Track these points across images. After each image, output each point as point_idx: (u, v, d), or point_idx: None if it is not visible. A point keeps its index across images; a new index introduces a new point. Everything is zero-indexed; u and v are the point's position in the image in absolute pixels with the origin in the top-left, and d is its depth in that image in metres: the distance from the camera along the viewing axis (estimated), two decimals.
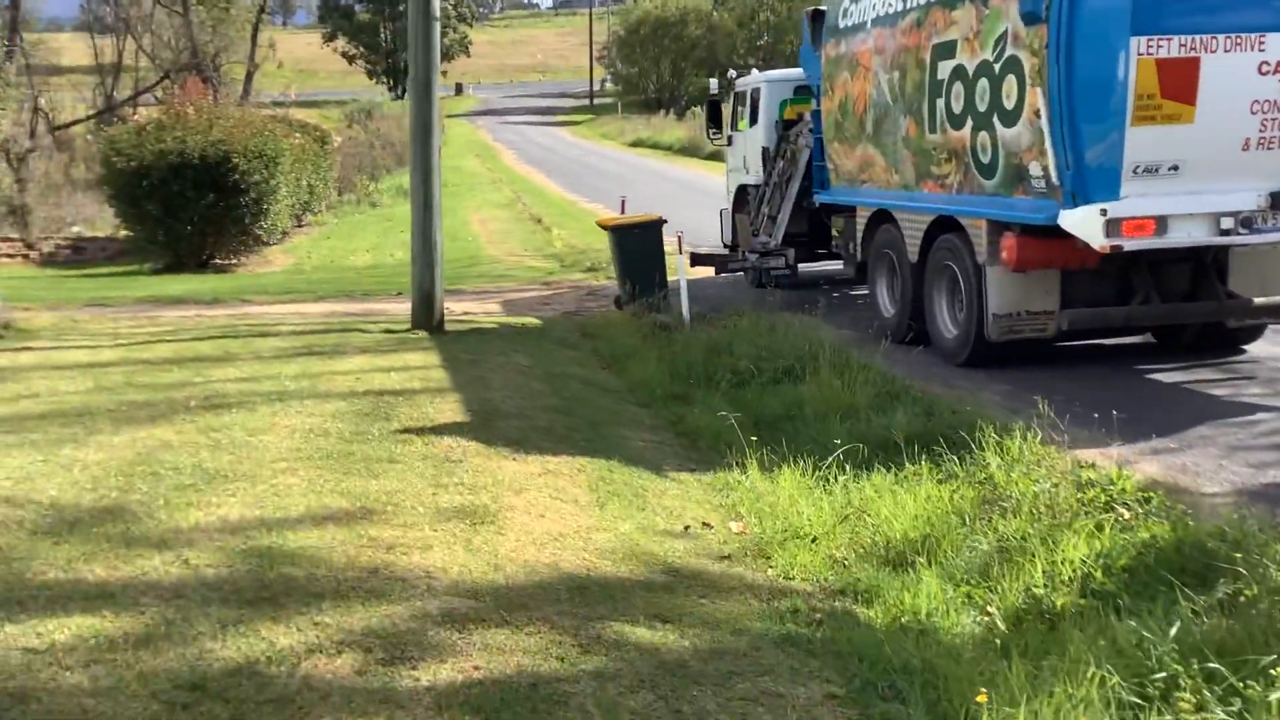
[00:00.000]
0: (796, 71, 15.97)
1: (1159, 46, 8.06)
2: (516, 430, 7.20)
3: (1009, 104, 9.40)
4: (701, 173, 36.61)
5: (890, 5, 11.59)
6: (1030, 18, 8.88)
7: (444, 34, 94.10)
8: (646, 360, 9.91)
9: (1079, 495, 5.70)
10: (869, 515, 5.69)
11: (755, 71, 17.60)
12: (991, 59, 9.61)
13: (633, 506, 5.83)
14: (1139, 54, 8.06)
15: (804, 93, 15.40)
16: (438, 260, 11.02)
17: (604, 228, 14.10)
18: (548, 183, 33.93)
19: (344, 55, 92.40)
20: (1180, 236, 8.58)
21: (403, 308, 13.82)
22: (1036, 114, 9.00)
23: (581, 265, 17.24)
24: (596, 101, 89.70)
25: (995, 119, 9.62)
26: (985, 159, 9.90)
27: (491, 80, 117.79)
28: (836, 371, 8.78)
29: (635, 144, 53.23)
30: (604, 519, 5.53)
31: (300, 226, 25.40)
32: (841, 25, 12.79)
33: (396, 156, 37.60)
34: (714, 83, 17.54)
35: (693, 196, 26.23)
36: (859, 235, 12.58)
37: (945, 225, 10.70)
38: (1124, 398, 8.62)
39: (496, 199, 30.07)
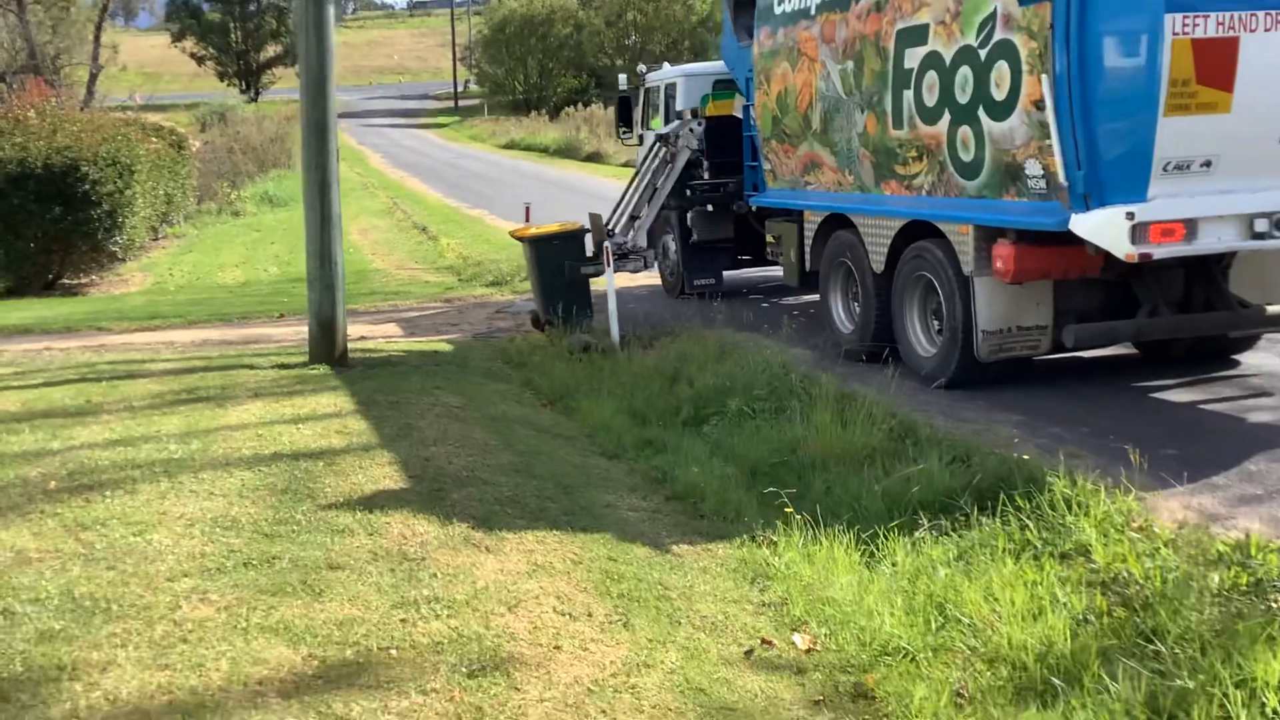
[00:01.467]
0: (716, 65, 14.79)
1: (1195, 25, 7.04)
2: (477, 503, 5.77)
3: (999, 94, 8.33)
4: (583, 174, 35.31)
5: None
6: None
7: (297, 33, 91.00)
8: (596, 397, 8.54)
9: (1214, 575, 4.58)
10: (961, 614, 4.46)
11: (667, 65, 16.35)
12: (975, 44, 8.53)
13: (663, 618, 4.48)
14: (1174, 34, 7.03)
15: (726, 87, 14.24)
16: (339, 283, 9.43)
17: (519, 239, 12.67)
18: (424, 188, 32.15)
19: (193, 56, 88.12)
20: (1210, 242, 7.60)
21: (289, 332, 12.20)
22: (1037, 105, 7.93)
23: (483, 279, 15.73)
24: (462, 103, 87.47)
25: (980, 112, 8.54)
26: (966, 157, 8.81)
27: (349, 82, 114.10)
28: (825, 404, 7.57)
29: (508, 146, 51.59)
30: (638, 647, 4.17)
31: (158, 240, 23.22)
32: (778, 11, 11.61)
33: (259, 161, 35.30)
34: (623, 79, 16.27)
35: (579, 199, 24.84)
36: (807, 242, 11.42)
37: (918, 231, 9.60)
38: (1153, 427, 7.63)
39: (373, 206, 28.21)
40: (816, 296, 14.13)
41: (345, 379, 8.86)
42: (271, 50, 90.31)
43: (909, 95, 9.43)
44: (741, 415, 7.90)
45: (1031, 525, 5.49)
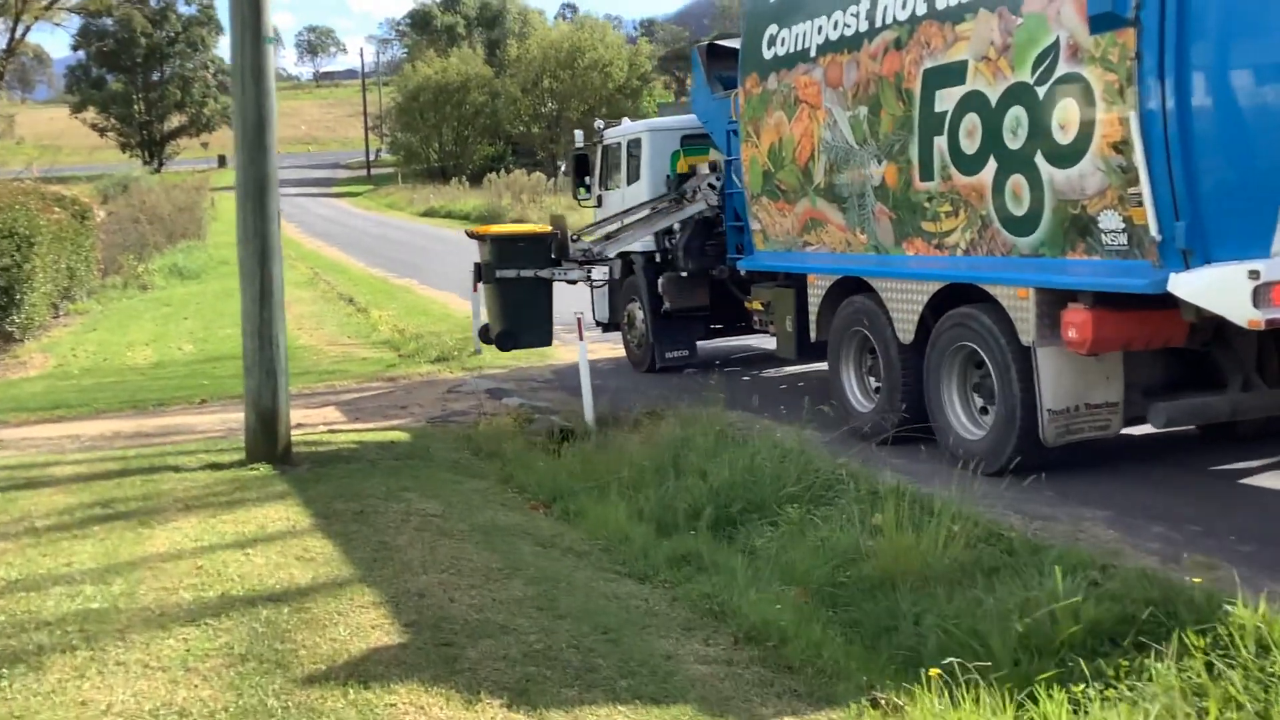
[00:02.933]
0: (685, 118, 13.64)
1: None
2: (503, 663, 4.34)
3: (1064, 137, 7.20)
4: None
5: (848, 25, 9.33)
6: (1104, 21, 6.70)
7: (203, 104, 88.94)
8: (599, 496, 7.12)
9: None
10: None
11: (627, 120, 15.17)
12: (1031, 81, 7.41)
13: None
14: None
15: (697, 142, 13.09)
16: (281, 367, 7.93)
17: (476, 236, 11.57)
18: (344, 257, 30.52)
19: (94, 128, 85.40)
20: None
21: (213, 421, 10.59)
22: (1116, 148, 6.82)
23: (426, 355, 14.21)
24: (374, 171, 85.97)
25: (1039, 158, 7.41)
26: (1019, 210, 7.67)
27: None
28: (879, 501, 6.28)
29: (427, 213, 50.15)
30: None
31: (59, 318, 21.26)
32: (769, 56, 10.47)
33: (167, 232, 33.31)
34: (579, 135, 14.99)
35: None
36: (811, 310, 10.18)
37: (956, 296, 8.42)
38: (1275, 524, 6.45)
39: (294, 277, 26.41)
40: (804, 368, 13.08)
41: (293, 482, 7.33)
42: (176, 121, 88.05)
43: (941, 142, 8.29)
44: (779, 517, 6.57)
45: (1236, 677, 4.21)
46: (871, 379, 9.75)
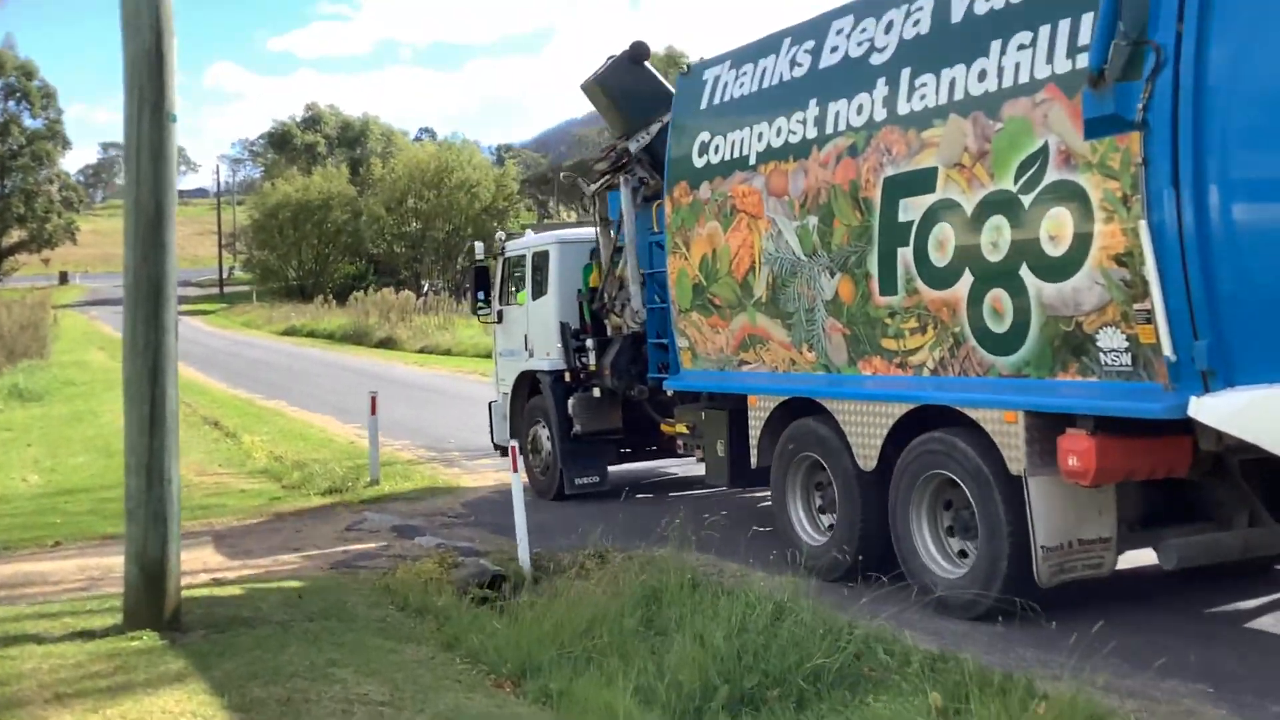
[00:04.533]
0: (594, 231, 12.91)
1: None
2: None
3: (1054, 250, 6.66)
4: (383, 361, 32.74)
5: (793, 132, 8.78)
6: (1103, 125, 6.21)
7: (46, 219, 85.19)
8: (588, 672, 5.99)
9: None
10: None
11: (530, 232, 14.39)
12: (1014, 189, 6.89)
13: None
14: None
15: (613, 255, 12.37)
16: (173, 510, 6.71)
17: None
18: (203, 378, 28.75)
19: None
20: None
21: (72, 569, 9.18)
22: (1119, 260, 6.29)
23: (314, 485, 12.90)
24: (227, 289, 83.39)
25: (1024, 271, 6.85)
26: (999, 327, 7.08)
27: (100, 269, 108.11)
28: (922, 678, 5.39)
29: (288, 332, 48.44)
30: None
31: None
32: (700, 164, 9.87)
33: (7, 351, 30.97)
34: (479, 246, 14.12)
35: (395, 390, 22.33)
36: (752, 434, 9.39)
37: (925, 420, 7.74)
38: None
39: None
40: (722, 492, 12.25)
41: (190, 656, 6.08)
42: (16, 235, 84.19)
43: (906, 254, 7.70)
44: (806, 696, 5.61)
45: None
46: (820, 509, 8.98)
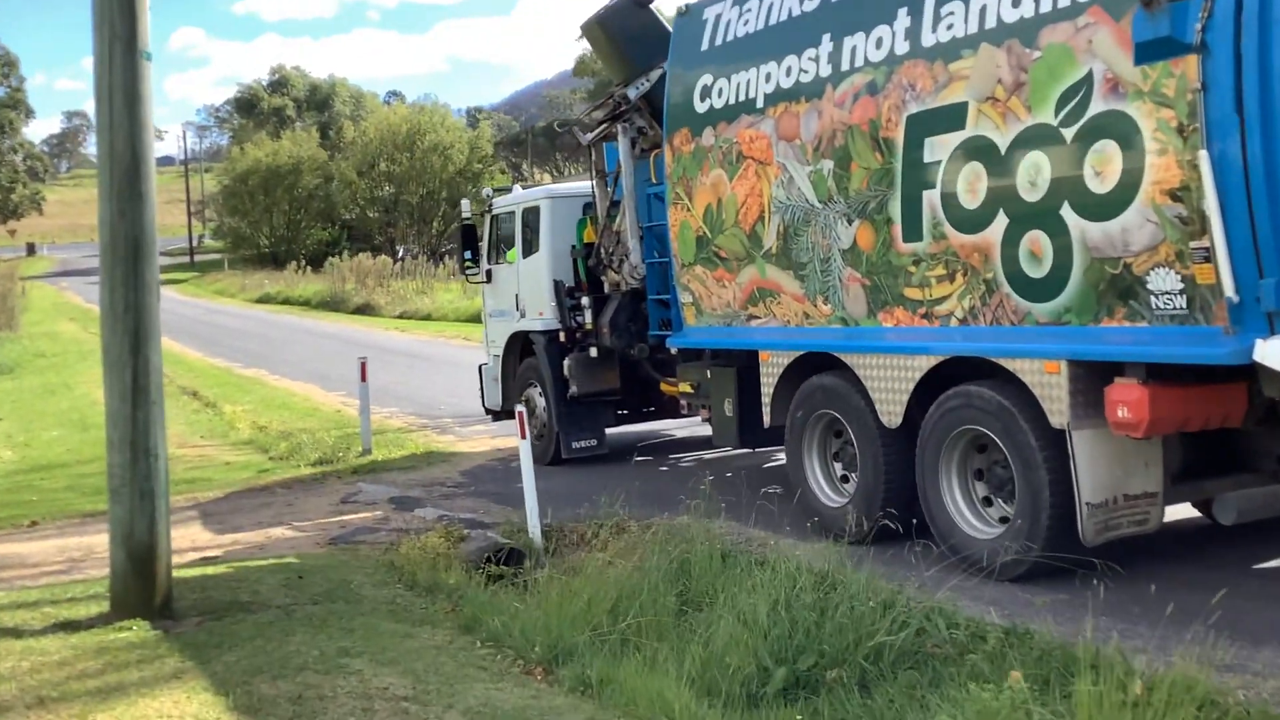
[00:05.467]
0: (585, 185, 12.40)
1: None
2: None
3: (1100, 185, 6.21)
4: (362, 328, 32.09)
5: (805, 71, 8.28)
6: (1156, 49, 5.75)
7: (11, 189, 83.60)
8: (627, 655, 5.54)
9: None
10: None
11: (518, 187, 13.83)
12: (1055, 123, 6.42)
13: None
14: None
15: (610, 209, 11.87)
16: (160, 487, 6.21)
17: None
18: (179, 347, 28.04)
19: None
20: None
21: (49, 550, 8.70)
22: (1174, 195, 5.84)
23: (303, 456, 12.38)
24: (198, 258, 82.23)
25: (1066, 210, 6.40)
26: (1037, 271, 6.64)
27: (67, 240, 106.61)
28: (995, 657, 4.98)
29: (262, 299, 47.66)
30: None
31: None
32: (702, 109, 9.35)
33: None
34: (466, 204, 13.57)
35: (383, 356, 21.75)
36: (766, 391, 8.95)
37: (953, 373, 7.33)
38: None
39: None
40: (727, 453, 11.86)
41: (187, 648, 5.60)
42: None
43: (932, 196, 7.24)
44: (867, 677, 5.19)
45: None
46: (839, 468, 8.57)
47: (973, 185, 6.96)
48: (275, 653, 5.45)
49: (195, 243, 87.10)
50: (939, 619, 5.76)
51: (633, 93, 10.70)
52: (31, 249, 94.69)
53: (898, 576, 6.66)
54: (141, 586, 6.13)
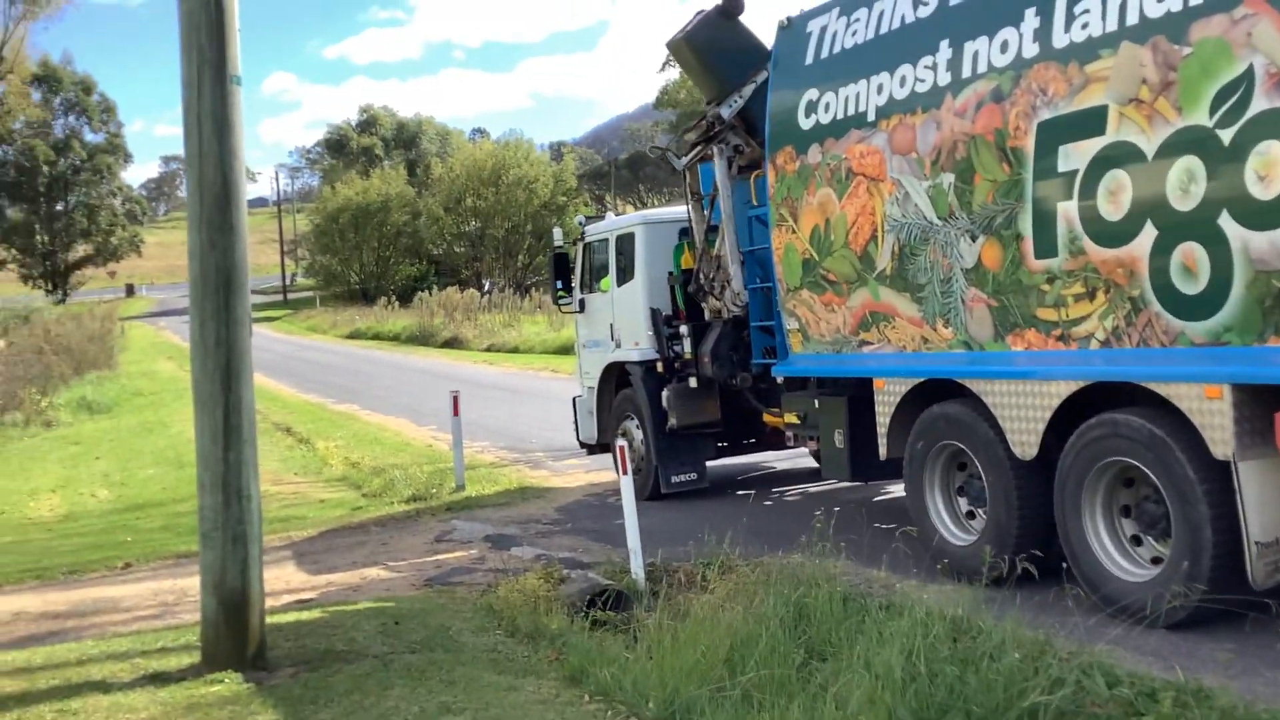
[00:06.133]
0: (682, 210, 12.01)
1: None
2: None
3: (1266, 191, 5.62)
4: (449, 361, 32.08)
5: (921, 80, 7.79)
6: None
7: (110, 232, 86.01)
8: (749, 714, 5.04)
9: None
10: None
11: (611, 215, 13.49)
12: (1210, 124, 5.84)
13: None
14: None
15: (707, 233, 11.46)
16: (254, 531, 5.90)
17: None
18: (273, 383, 28.24)
19: None
20: None
21: (143, 594, 8.47)
22: None
23: (396, 493, 12.12)
24: (290, 296, 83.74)
25: (1225, 219, 5.81)
26: (1192, 287, 6.04)
27: (165, 281, 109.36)
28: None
29: (353, 335, 48.12)
30: None
31: None
32: (807, 125, 8.90)
33: (75, 363, 30.76)
34: (558, 232, 13.27)
35: (473, 390, 21.55)
36: (883, 421, 8.42)
37: (1093, 400, 6.74)
38: None
39: None
40: (831, 486, 11.33)
41: (279, 705, 5.25)
42: (81, 250, 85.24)
43: (1068, 209, 6.68)
44: None
45: None
46: (964, 502, 7.99)
47: (1115, 195, 6.40)
48: (374, 709, 5.07)
49: (288, 281, 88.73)
50: (1097, 674, 5.17)
51: (726, 111, 10.29)
52: (130, 290, 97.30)
53: (1038, 623, 6.08)
54: (234, 636, 5.81)
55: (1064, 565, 6.92)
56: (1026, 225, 6.98)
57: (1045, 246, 6.88)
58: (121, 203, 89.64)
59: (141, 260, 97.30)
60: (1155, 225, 6.19)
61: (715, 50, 10.34)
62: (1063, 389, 6.86)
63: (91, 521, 12.49)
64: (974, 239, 7.40)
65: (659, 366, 11.48)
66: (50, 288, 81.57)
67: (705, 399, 11.28)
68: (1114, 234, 6.43)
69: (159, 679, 5.67)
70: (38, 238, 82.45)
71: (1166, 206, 6.11)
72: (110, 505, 13.54)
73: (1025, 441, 7.13)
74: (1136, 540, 6.65)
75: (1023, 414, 7.14)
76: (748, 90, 10.22)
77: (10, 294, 76.58)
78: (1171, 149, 6.06)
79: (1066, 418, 6.91)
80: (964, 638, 5.74)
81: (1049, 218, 6.82)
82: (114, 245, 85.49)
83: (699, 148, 10.77)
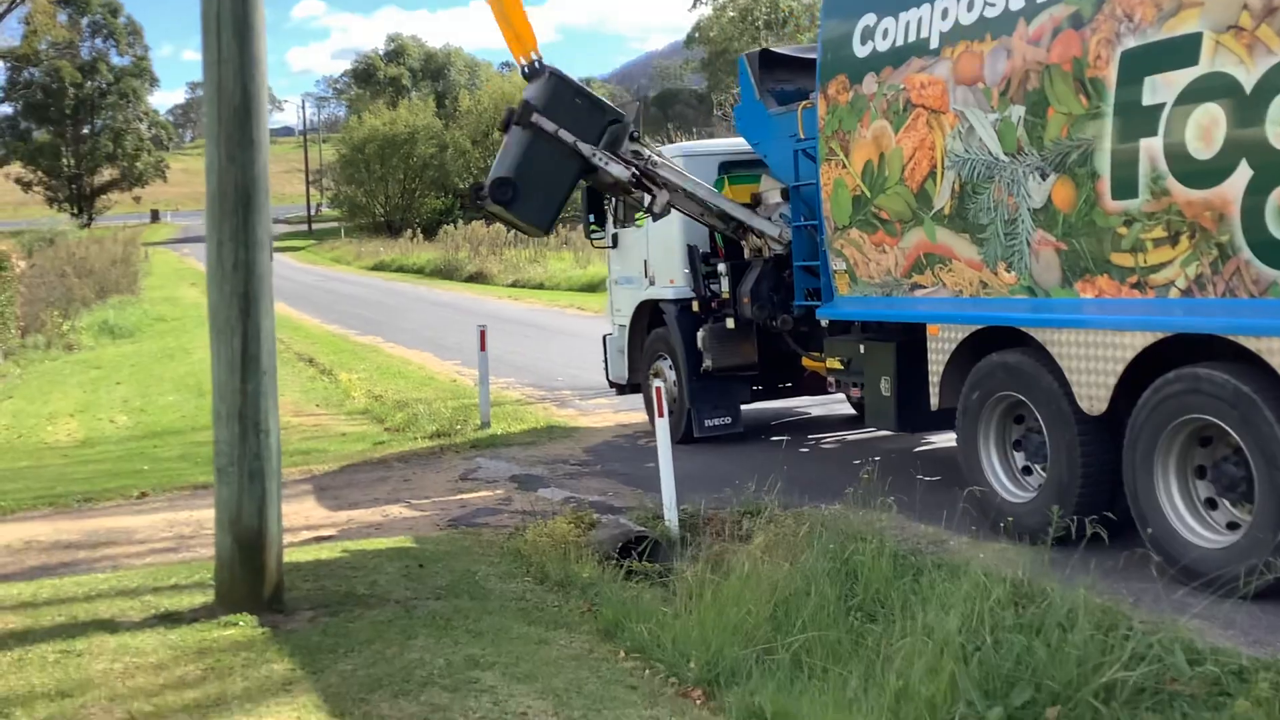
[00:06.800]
0: (723, 143, 11.52)
1: None
2: None
3: None
4: (475, 296, 31.69)
5: (990, 5, 7.24)
6: None
7: (136, 157, 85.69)
8: (798, 678, 4.67)
9: None
10: None
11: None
12: None
13: None
14: None
15: (741, 169, 10.97)
16: (272, 467, 5.55)
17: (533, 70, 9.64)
18: (296, 313, 27.95)
19: (19, 182, 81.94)
20: None
21: (159, 524, 8.17)
22: None
23: (420, 428, 11.76)
24: (315, 226, 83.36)
25: None
26: None
27: (189, 207, 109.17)
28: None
29: (377, 267, 47.77)
30: None
31: None
32: (863, 53, 8.37)
33: (97, 286, 30.53)
34: None
35: (498, 325, 21.14)
36: (935, 370, 7.99)
37: (1169, 354, 6.29)
38: None
39: None
40: (868, 435, 10.94)
41: (297, 651, 4.92)
42: (107, 174, 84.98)
43: (1152, 145, 6.18)
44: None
45: None
46: (1020, 457, 7.57)
47: (1207, 132, 5.89)
48: (396, 660, 4.74)
49: (313, 211, 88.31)
50: (1178, 649, 4.78)
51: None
52: (155, 216, 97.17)
53: (1103, 589, 5.70)
54: (249, 577, 5.48)
55: (1123, 524, 6.52)
56: (1104, 163, 6.48)
57: (1124, 186, 6.39)
58: (148, 127, 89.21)
59: (167, 186, 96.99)
60: (1250, 165, 5.69)
61: None
62: (1138, 340, 6.40)
63: (109, 448, 12.21)
64: (1044, 177, 6.90)
65: (695, 306, 11.03)
66: (76, 211, 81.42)
67: (742, 340, 10.85)
68: (1203, 174, 5.94)
69: (170, 619, 5.35)
70: (63, 160, 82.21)
71: (1264, 145, 5.61)
72: (128, 432, 13.27)
73: (1094, 395, 6.69)
74: (1211, 504, 6.24)
75: (1092, 366, 6.69)
76: None
77: (36, 216, 76.51)
78: (1273, 82, 5.54)
79: (1138, 372, 6.47)
80: (1026, 603, 5.36)
81: (1130, 155, 6.32)
82: (139, 170, 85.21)
83: None
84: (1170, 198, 6.12)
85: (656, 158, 9.57)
